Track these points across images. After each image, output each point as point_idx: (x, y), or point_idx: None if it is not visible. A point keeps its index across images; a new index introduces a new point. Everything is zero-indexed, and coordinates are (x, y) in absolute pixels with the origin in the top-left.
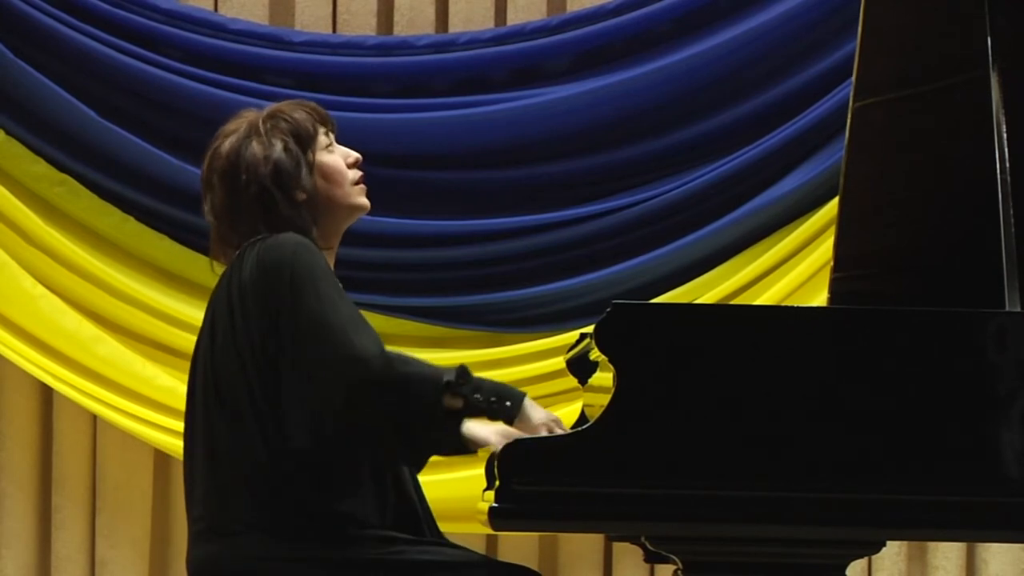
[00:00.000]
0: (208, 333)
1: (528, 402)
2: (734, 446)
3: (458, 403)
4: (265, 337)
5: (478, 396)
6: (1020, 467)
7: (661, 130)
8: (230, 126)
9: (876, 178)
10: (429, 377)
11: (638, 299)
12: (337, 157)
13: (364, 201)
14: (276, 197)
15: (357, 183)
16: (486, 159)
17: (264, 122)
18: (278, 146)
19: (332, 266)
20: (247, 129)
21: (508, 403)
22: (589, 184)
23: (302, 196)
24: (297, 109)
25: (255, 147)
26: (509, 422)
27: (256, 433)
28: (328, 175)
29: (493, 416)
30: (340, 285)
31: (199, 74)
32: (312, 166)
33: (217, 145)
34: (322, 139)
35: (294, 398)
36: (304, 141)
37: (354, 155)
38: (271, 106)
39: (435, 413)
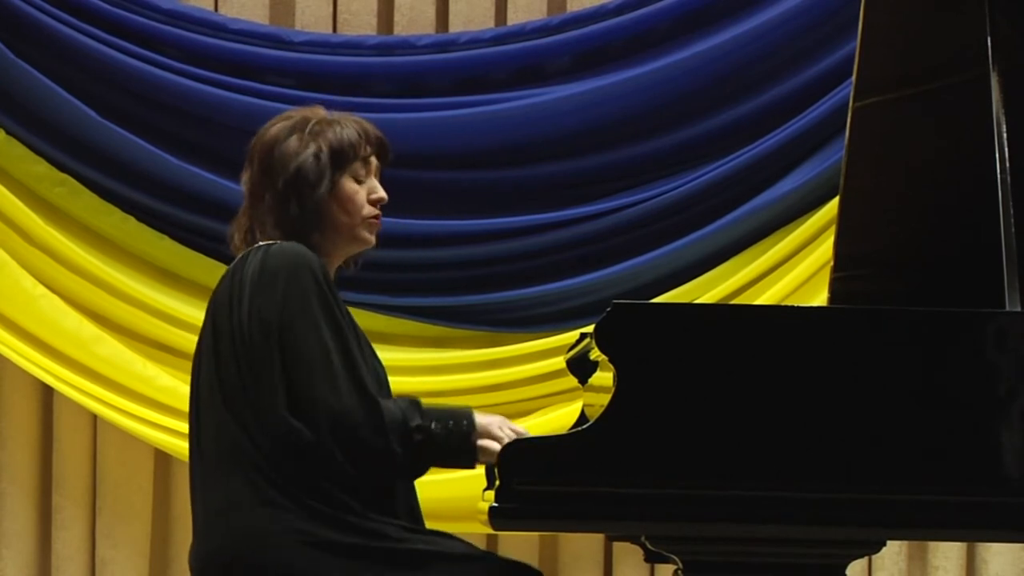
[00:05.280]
0: (210, 331)
1: (477, 413)
2: (734, 446)
3: (419, 436)
4: (253, 335)
5: (436, 426)
6: (1020, 467)
7: (661, 130)
8: (292, 112)
9: (876, 178)
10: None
11: (638, 299)
12: (359, 188)
13: (367, 237)
14: (289, 196)
15: (370, 219)
16: (486, 159)
17: (315, 123)
18: (310, 151)
19: (332, 278)
20: (297, 123)
21: (465, 421)
22: (589, 184)
23: (311, 205)
24: (352, 127)
25: (292, 142)
26: (467, 437)
27: (255, 427)
28: (342, 201)
29: (451, 438)
30: (335, 310)
31: (199, 74)
32: (335, 184)
33: (270, 125)
34: (358, 166)
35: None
36: (338, 158)
37: (380, 194)
38: (337, 113)
39: (398, 458)
